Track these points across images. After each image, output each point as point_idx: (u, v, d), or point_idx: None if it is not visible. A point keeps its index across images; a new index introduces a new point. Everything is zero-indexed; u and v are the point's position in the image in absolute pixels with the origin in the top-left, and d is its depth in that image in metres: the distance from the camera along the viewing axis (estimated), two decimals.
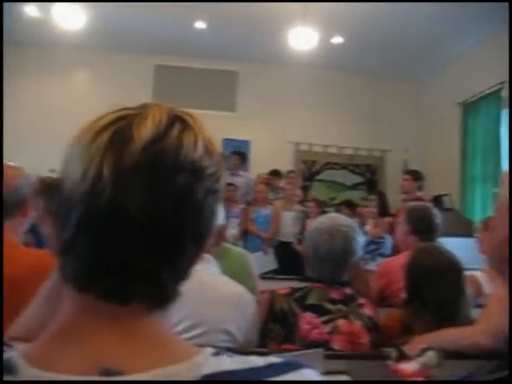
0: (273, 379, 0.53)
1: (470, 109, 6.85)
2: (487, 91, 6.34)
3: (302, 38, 5.83)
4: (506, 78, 5.88)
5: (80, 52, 7.40)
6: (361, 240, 1.83)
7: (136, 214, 0.49)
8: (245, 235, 5.83)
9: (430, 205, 2.98)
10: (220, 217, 1.70)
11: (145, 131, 0.51)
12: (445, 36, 6.60)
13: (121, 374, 0.47)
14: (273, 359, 0.57)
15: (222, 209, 1.70)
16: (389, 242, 5.15)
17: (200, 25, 6.73)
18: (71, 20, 5.55)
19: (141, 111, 0.54)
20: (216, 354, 0.54)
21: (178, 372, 0.49)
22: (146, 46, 7.53)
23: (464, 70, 7.05)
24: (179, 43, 7.34)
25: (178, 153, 0.51)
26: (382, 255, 5.06)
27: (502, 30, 6.05)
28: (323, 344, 1.64)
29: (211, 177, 0.54)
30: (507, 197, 0.67)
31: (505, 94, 5.86)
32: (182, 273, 0.56)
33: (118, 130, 0.51)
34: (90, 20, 6.20)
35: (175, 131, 0.52)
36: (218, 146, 0.58)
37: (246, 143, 7.86)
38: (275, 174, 6.81)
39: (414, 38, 6.68)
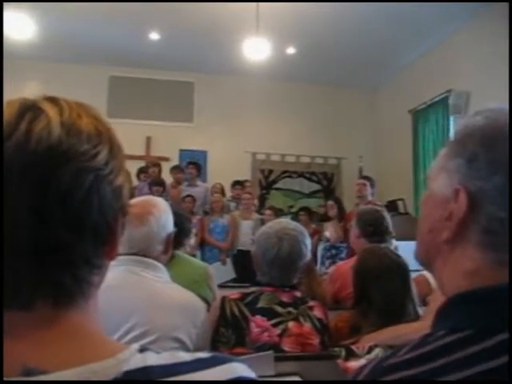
0: (198, 373, 0.54)
1: (420, 116, 7.09)
2: (435, 99, 6.58)
3: (256, 48, 5.90)
4: (453, 85, 6.12)
5: (30, 64, 7.25)
6: (308, 243, 1.85)
7: None
8: (202, 245, 5.82)
9: (380, 208, 3.03)
10: (169, 225, 1.69)
11: None
12: (395, 46, 6.83)
13: (42, 372, 0.47)
14: (201, 354, 0.58)
15: (170, 216, 1.69)
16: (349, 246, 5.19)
17: (154, 36, 6.72)
18: (19, 30, 5.42)
19: None
20: (142, 351, 0.54)
21: (102, 368, 0.49)
22: (99, 57, 7.44)
23: (413, 79, 7.30)
24: (134, 54, 7.30)
25: (27, 145, 0.49)
26: (343, 259, 5.03)
27: (449, 40, 6.31)
28: (274, 346, 1.66)
29: (82, 155, 0.51)
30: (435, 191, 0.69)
31: (451, 101, 6.09)
32: (82, 265, 0.53)
33: None
34: (41, 31, 6.09)
35: (24, 123, 0.50)
36: (95, 122, 0.55)
37: (203, 153, 7.88)
38: (238, 184, 6.84)
39: (365, 48, 6.87)
